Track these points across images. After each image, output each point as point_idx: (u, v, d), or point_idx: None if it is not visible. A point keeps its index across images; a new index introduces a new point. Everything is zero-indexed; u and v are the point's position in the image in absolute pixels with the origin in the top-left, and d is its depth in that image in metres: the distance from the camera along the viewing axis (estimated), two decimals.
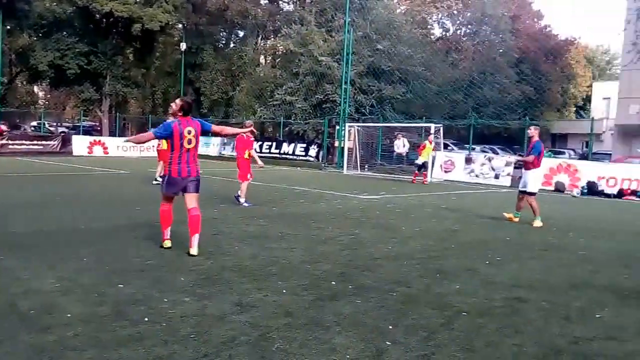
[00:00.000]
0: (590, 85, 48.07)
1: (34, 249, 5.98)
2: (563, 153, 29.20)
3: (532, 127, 10.19)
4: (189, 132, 6.07)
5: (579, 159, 24.18)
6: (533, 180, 9.79)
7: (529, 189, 9.73)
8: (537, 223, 9.47)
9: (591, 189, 16.76)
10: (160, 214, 6.40)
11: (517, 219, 9.86)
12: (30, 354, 3.21)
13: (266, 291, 4.78)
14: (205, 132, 6.33)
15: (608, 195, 16.36)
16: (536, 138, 9.82)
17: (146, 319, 3.91)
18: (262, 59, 42.17)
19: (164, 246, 6.30)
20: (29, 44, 35.12)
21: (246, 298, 4.55)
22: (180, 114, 6.16)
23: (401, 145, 22.87)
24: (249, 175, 10.79)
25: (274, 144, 29.36)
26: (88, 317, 3.91)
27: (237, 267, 5.62)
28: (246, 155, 10.80)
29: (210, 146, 31.42)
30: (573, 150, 32.27)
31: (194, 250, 6.05)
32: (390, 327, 4.00)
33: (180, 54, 36.46)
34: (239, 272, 5.39)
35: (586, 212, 12.57)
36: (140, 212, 9.07)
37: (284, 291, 4.82)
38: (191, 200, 6.20)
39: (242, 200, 10.68)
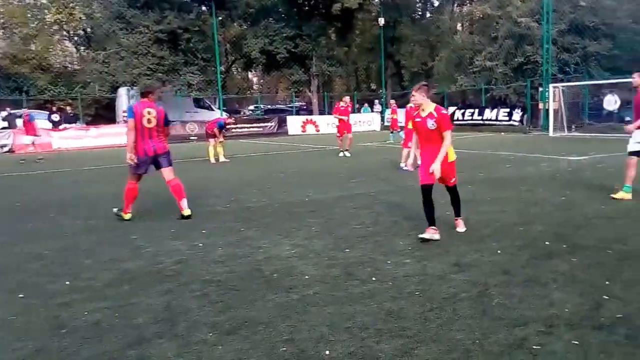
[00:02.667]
0: None
1: (267, 221, 6.77)
2: None
3: (635, 74, 7.25)
4: (149, 113, 6.67)
5: None
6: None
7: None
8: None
9: None
10: (127, 191, 6.96)
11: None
12: (279, 310, 3.71)
13: (482, 252, 4.82)
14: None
15: None
16: None
17: (374, 279, 4.24)
18: (459, 26, 40.34)
19: (124, 218, 6.97)
20: (241, 33, 37.74)
21: (463, 259, 4.64)
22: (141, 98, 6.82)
23: (612, 102, 20.94)
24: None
25: (476, 110, 28.03)
26: (323, 277, 4.37)
27: (451, 230, 5.66)
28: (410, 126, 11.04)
29: None
30: None
31: (186, 212, 6.88)
32: (607, 282, 3.95)
33: (378, 29, 36.96)
34: (453, 235, 5.46)
35: None
36: (356, 185, 9.65)
37: (499, 251, 4.82)
38: (168, 174, 6.90)
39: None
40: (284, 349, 3.10)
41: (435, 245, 5.08)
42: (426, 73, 38.67)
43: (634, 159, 7.26)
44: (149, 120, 6.77)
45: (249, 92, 51.42)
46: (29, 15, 36.59)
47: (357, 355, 2.95)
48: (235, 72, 48.95)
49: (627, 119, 20.10)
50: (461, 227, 5.65)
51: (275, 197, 8.57)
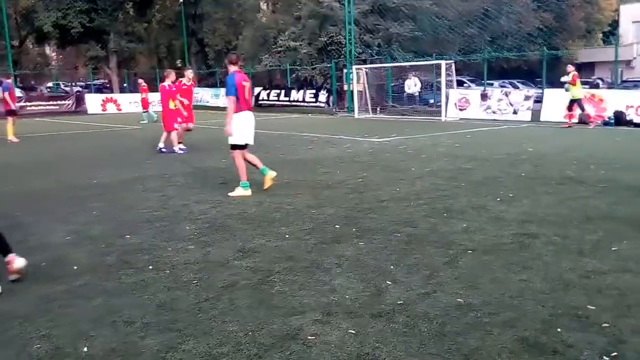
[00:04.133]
0: (617, 10, 45.44)
1: (45, 205, 6.11)
2: (589, 83, 27.90)
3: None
4: None
5: (608, 88, 23.07)
6: None
7: None
8: None
9: (619, 119, 16.05)
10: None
11: None
12: (40, 303, 3.33)
13: (269, 237, 4.79)
14: None
15: (638, 125, 15.69)
16: None
17: (151, 267, 3.99)
18: (262, 5, 40.83)
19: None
20: (32, 5, 34.93)
21: (249, 244, 4.58)
22: None
23: (412, 85, 22.18)
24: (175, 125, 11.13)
25: (283, 91, 28.75)
26: (96, 266, 4.01)
27: (241, 215, 5.64)
28: (171, 106, 11.12)
29: (220, 97, 31.14)
30: (601, 79, 30.84)
31: None
32: (392, 267, 3.98)
33: (179, 5, 35.52)
34: (242, 220, 5.42)
35: (611, 143, 12.11)
36: (150, 166, 9.11)
37: (287, 236, 4.83)
38: None
39: (174, 148, 10.98)
40: (38, 346, 2.78)
41: (222, 230, 4.99)
42: (230, 51, 38.51)
43: None
44: None
45: (46, 68, 46.09)
46: None
47: (118, 352, 2.71)
48: (30, 47, 43.67)
49: (431, 101, 22.28)
50: None
51: (60, 179, 7.73)
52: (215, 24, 38.49)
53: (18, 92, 27.87)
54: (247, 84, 6.66)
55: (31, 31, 36.84)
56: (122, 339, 2.84)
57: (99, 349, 2.74)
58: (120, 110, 28.77)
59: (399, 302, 3.31)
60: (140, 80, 20.61)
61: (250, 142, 6.85)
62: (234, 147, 6.76)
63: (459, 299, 3.33)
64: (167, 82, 11.12)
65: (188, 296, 3.45)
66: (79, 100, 28.86)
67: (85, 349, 2.74)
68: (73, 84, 43.97)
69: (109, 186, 7.28)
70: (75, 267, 3.98)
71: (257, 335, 2.91)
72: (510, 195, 6.40)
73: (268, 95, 28.62)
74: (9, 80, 14.77)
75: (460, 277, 3.73)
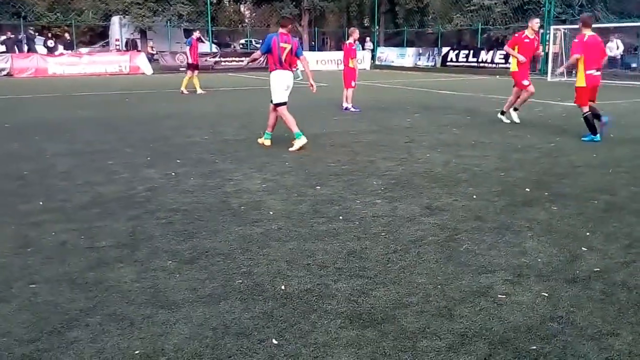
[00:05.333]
0: None
1: (242, 154, 6.67)
2: None
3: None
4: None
5: None
6: None
7: None
8: None
9: None
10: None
11: None
12: (240, 243, 3.65)
13: (456, 196, 4.69)
14: None
15: None
16: None
17: (340, 217, 4.15)
18: None
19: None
20: None
21: (435, 202, 4.53)
22: None
23: (614, 48, 20.38)
24: (353, 83, 11.13)
25: (471, 52, 27.34)
26: (289, 213, 4.29)
27: (428, 173, 5.56)
28: (350, 64, 11.14)
29: (405, 57, 30.78)
30: None
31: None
32: (588, 234, 3.78)
33: None
34: (429, 178, 5.34)
35: None
36: (338, 121, 9.48)
37: (474, 197, 4.69)
38: None
39: (346, 105, 11.06)
40: (240, 281, 3.05)
41: (409, 187, 4.99)
42: (421, 11, 37.46)
43: None
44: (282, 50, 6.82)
45: (240, 25, 49.98)
46: None
47: (312, 292, 2.89)
48: (227, 4, 47.37)
49: (634, 65, 19.99)
50: None
51: (255, 131, 8.41)
52: None
53: (213, 48, 30.84)
54: (286, 46, 6.84)
55: None
56: (316, 281, 3.02)
57: (295, 288, 2.93)
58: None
59: (595, 269, 3.17)
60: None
61: (286, 99, 7.00)
62: (276, 104, 6.99)
63: None
64: (350, 40, 11.33)
65: (377, 247, 3.53)
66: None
67: (283, 287, 2.94)
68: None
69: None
70: (271, 213, 4.27)
71: (446, 289, 2.91)
72: None
73: (457, 56, 27.59)
74: (194, 36, 15.93)
75: None
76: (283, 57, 6.86)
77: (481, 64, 26.27)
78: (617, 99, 12.69)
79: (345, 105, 11.24)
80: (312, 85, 7.25)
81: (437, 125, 8.93)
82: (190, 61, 15.25)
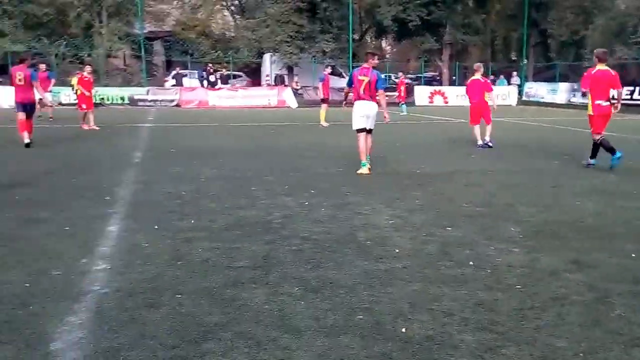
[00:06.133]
0: None
1: (372, 188, 6.72)
2: None
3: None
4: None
5: None
6: None
7: None
8: None
9: None
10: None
11: None
12: (364, 277, 3.64)
13: (609, 252, 4.18)
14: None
15: None
16: None
17: (471, 263, 3.94)
18: None
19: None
20: (375, 1, 37.10)
21: (584, 257, 4.07)
22: None
23: None
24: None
25: (637, 89, 24.50)
26: (416, 253, 4.18)
27: (576, 223, 5.06)
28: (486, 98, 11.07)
29: (558, 93, 28.65)
30: None
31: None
32: None
33: None
34: (577, 229, 4.86)
35: None
36: (475, 159, 9.13)
37: (633, 255, 4.13)
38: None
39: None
40: (361, 317, 3.04)
41: (552, 237, 4.58)
42: (577, 43, 34.69)
43: None
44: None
45: (380, 60, 51.19)
46: None
47: (434, 339, 2.76)
48: (368, 40, 49.08)
49: None
50: None
51: (385, 166, 8.47)
52: (562, 13, 35.35)
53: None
54: (364, 79, 7.50)
55: (371, 25, 39.74)
56: (439, 329, 2.88)
57: (416, 333, 2.82)
58: (446, 103, 29.46)
59: None
60: (400, 74, 20.86)
61: (362, 126, 7.69)
62: (356, 130, 7.79)
63: None
64: (477, 76, 11.00)
65: (510, 300, 3.27)
66: (409, 91, 30.80)
67: (404, 330, 2.85)
68: (403, 75, 47.13)
69: (432, 176, 7.56)
70: (397, 250, 4.21)
71: (589, 358, 2.58)
72: None
73: (618, 92, 24.95)
74: (325, 72, 16.58)
75: None
76: (361, 89, 7.56)
77: None
78: None
79: (484, 140, 10.79)
80: (385, 117, 7.93)
81: (589, 169, 8.13)
82: (322, 96, 16.11)
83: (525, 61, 34.89)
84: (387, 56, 54.90)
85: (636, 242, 4.46)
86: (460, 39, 35.81)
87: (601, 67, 8.22)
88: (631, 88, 25.00)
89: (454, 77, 36.28)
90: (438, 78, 39.27)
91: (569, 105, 26.39)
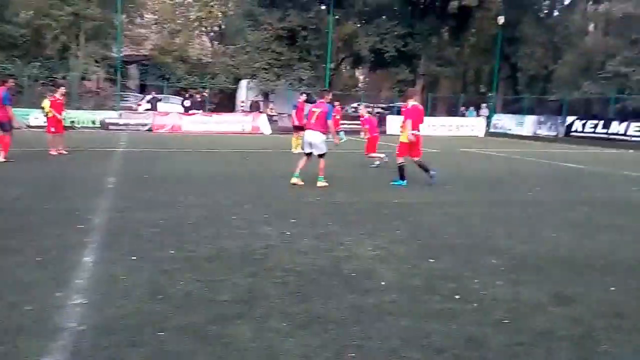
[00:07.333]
0: None
1: (353, 218, 6.66)
2: None
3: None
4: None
5: None
6: None
7: None
8: None
9: None
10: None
11: None
12: (353, 312, 3.58)
13: (589, 286, 4.27)
14: None
15: None
16: None
17: (457, 297, 3.95)
18: (591, 27, 37.06)
19: None
20: (353, 31, 38.37)
21: (566, 290, 4.13)
22: None
23: None
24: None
25: (601, 122, 25.57)
26: (402, 286, 4.15)
27: (555, 255, 5.15)
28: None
29: (524, 125, 29.58)
30: None
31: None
32: None
33: (496, 28, 35.07)
34: (556, 262, 4.94)
35: None
36: (450, 190, 9.26)
37: (613, 288, 4.21)
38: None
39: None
40: (353, 354, 2.98)
41: (534, 270, 4.64)
42: (545, 77, 36.10)
43: None
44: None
45: (354, 89, 52.23)
46: (176, 12, 41.63)
47: None
48: (343, 70, 49.96)
49: None
50: None
51: (362, 195, 8.50)
52: (533, 48, 36.84)
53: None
54: (316, 110, 9.00)
55: (348, 55, 40.74)
56: None
57: None
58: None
59: None
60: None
61: (308, 151, 9.14)
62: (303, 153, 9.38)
63: None
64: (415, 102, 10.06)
65: (499, 335, 3.28)
66: (380, 121, 31.01)
67: None
68: (374, 105, 47.72)
69: (409, 206, 7.59)
70: (383, 283, 4.18)
71: None
72: None
73: (584, 126, 26.08)
74: (300, 99, 16.22)
75: None
76: (312, 119, 8.98)
77: (612, 136, 24.42)
78: None
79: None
80: (336, 142, 9.50)
81: (562, 201, 8.34)
82: (296, 123, 15.95)
83: (494, 93, 36.04)
84: (360, 85, 55.79)
85: (613, 274, 4.55)
86: (433, 71, 36.75)
87: (412, 102, 9.60)
88: (595, 122, 26.06)
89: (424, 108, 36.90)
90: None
91: (535, 137, 27.25)
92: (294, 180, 9.09)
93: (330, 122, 8.96)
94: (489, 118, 32.01)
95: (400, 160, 9.52)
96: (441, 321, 3.48)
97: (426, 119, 33.17)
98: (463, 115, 33.39)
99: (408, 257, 4.96)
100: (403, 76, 35.73)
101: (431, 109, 37.96)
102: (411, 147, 9.41)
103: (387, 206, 7.56)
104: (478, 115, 32.23)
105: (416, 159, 9.51)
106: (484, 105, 33.51)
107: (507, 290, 4.12)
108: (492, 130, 30.99)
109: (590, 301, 3.90)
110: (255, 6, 31.95)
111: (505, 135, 29.02)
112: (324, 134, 9.03)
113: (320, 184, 9.00)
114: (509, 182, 10.59)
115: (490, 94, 36.57)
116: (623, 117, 25.36)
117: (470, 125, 30.43)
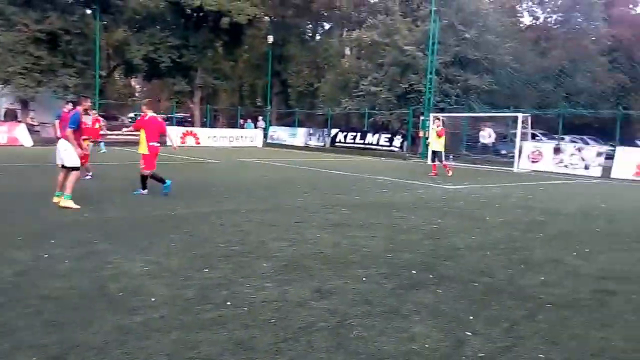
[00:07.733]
0: None
1: (123, 235, 6.29)
2: None
3: None
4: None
5: None
6: None
7: None
8: None
9: None
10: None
11: None
12: (117, 334, 3.38)
13: (346, 279, 4.79)
14: None
15: None
16: None
17: (229, 303, 4.03)
18: (347, 51, 42.10)
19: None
20: (124, 39, 36.70)
21: (326, 285, 4.58)
22: None
23: (487, 136, 22.80)
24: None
25: (359, 134, 29.35)
26: (173, 299, 4.07)
27: (318, 254, 5.65)
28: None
29: (297, 137, 32.01)
30: None
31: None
32: (471, 317, 3.96)
33: (267, 46, 37.23)
34: (319, 260, 5.43)
35: None
36: (229, 199, 9.44)
37: (364, 279, 4.81)
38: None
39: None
40: None
41: (301, 269, 5.02)
42: (312, 93, 39.77)
43: None
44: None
45: (130, 99, 49.33)
46: None
47: None
48: (117, 78, 46.89)
49: (503, 152, 22.69)
50: None
51: (137, 210, 8.08)
52: (300, 66, 40.00)
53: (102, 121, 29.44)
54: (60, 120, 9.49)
55: (121, 63, 38.67)
56: None
57: None
58: (198, 143, 29.74)
59: (480, 355, 3.31)
60: (94, 112, 19.87)
61: (58, 162, 8.54)
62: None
63: (540, 355, 3.32)
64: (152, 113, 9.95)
65: (266, 335, 3.45)
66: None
67: None
68: (96, 113, 45.01)
69: (186, 218, 7.50)
70: (153, 299, 4.03)
71: None
72: (586, 250, 6.35)
73: (345, 137, 29.42)
74: (65, 109, 13.67)
75: (540, 332, 3.70)
76: (60, 129, 9.11)
77: (367, 146, 28.09)
78: (490, 183, 14.10)
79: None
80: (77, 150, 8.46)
81: (326, 204, 9.23)
82: (59, 134, 13.95)
83: (269, 107, 38.18)
84: (137, 94, 53.15)
85: (365, 267, 5.21)
86: (210, 83, 37.28)
87: (151, 113, 9.82)
88: (354, 133, 29.72)
89: (205, 119, 37.21)
90: (190, 119, 39.74)
91: (307, 148, 29.76)
92: (55, 199, 8.21)
93: (69, 130, 8.27)
94: (265, 130, 33.76)
95: (148, 172, 9.59)
96: (212, 330, 3.51)
97: (207, 130, 33.42)
98: (242, 127, 34.54)
99: (181, 269, 4.88)
100: (180, 87, 35.78)
101: (212, 120, 38.23)
102: (150, 158, 9.55)
103: (162, 219, 7.32)
104: (256, 127, 33.71)
105: (147, 171, 9.57)
106: (260, 117, 35.21)
107: (274, 290, 4.37)
108: (269, 141, 32.72)
109: (345, 293, 4.39)
110: (6, 4, 28.00)
111: (281, 145, 30.93)
112: (69, 142, 8.28)
113: (63, 202, 7.92)
114: (283, 189, 11.29)
115: (265, 108, 38.67)
116: (375, 129, 29.49)
117: (249, 137, 31.68)
